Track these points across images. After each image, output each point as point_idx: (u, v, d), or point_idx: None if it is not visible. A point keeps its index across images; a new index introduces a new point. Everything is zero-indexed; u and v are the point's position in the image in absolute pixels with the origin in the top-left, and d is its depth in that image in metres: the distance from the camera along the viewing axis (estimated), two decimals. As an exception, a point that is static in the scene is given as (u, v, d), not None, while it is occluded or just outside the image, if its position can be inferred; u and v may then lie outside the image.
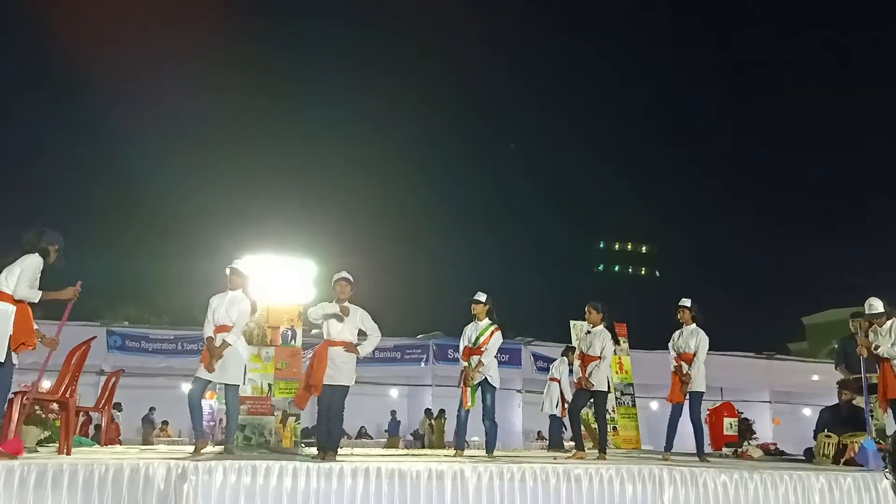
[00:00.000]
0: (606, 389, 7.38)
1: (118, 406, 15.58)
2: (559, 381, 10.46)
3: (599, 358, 7.24)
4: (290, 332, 9.04)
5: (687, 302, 7.62)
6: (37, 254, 5.39)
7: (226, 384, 6.39)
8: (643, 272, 45.44)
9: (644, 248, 46.41)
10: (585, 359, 7.35)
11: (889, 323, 7.26)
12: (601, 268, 45.83)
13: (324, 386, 5.93)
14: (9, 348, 5.17)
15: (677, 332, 7.65)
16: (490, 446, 7.13)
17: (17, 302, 5.24)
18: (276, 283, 8.99)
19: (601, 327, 7.40)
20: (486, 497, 4.84)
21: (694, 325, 7.55)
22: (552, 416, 10.65)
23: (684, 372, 7.34)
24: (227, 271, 6.59)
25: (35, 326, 5.48)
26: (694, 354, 7.35)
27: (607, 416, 11.65)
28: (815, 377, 19.53)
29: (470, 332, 7.27)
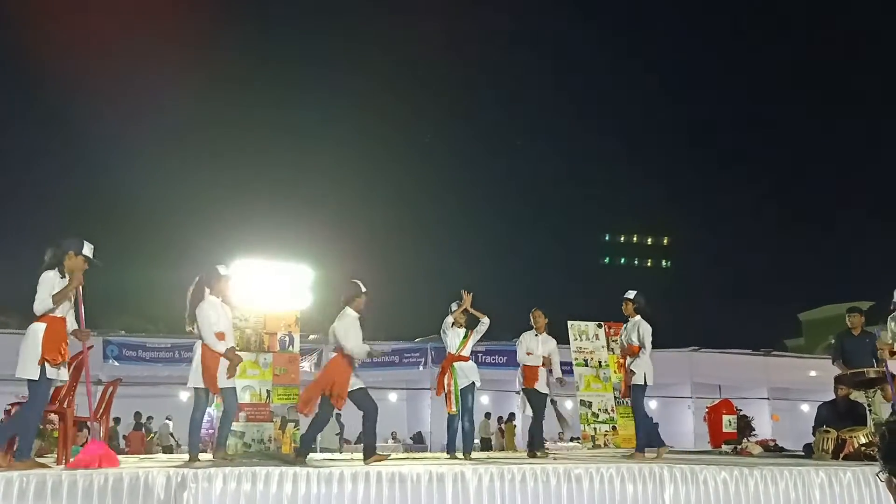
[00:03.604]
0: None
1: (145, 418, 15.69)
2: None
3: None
4: (287, 338, 9.03)
5: (631, 294, 7.46)
6: (48, 270, 5.40)
7: (224, 388, 6.33)
8: (650, 264, 45.16)
9: (650, 240, 46.11)
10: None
11: None
12: (607, 260, 45.56)
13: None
14: (43, 366, 5.18)
15: (623, 327, 7.65)
16: (467, 446, 7.22)
17: (47, 319, 5.27)
18: (272, 289, 8.99)
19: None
20: (487, 499, 4.84)
21: (638, 317, 7.38)
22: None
23: (627, 366, 7.31)
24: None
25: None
26: (639, 348, 7.26)
27: (606, 416, 11.87)
28: (813, 373, 19.58)
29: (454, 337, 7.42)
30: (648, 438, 7.39)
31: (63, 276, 5.42)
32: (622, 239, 46.60)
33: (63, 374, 5.39)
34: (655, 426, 7.67)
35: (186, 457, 6.27)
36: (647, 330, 7.30)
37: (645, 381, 7.19)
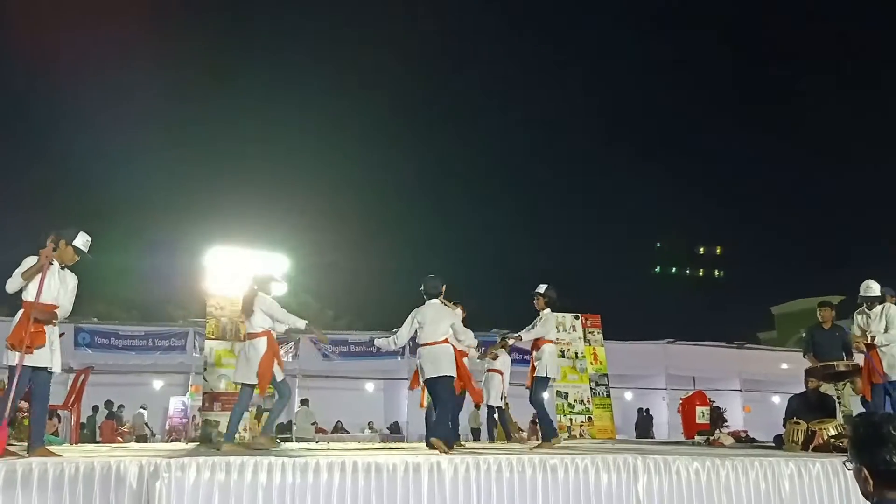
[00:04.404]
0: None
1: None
2: (502, 372, 10.06)
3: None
4: (263, 327, 8.95)
5: (541, 288, 7.54)
6: (32, 256, 5.34)
7: (280, 380, 6.59)
8: (701, 274, 44.94)
9: (702, 250, 45.82)
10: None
11: (879, 308, 7.40)
12: (657, 270, 45.19)
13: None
14: (18, 353, 5.13)
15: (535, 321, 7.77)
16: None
17: (25, 305, 5.22)
18: (247, 276, 8.91)
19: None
20: (462, 489, 4.84)
21: (547, 311, 7.48)
22: (493, 408, 10.22)
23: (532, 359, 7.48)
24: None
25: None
26: (547, 341, 7.42)
27: (581, 407, 11.98)
28: (784, 365, 19.88)
29: None
30: (550, 429, 7.50)
31: (50, 263, 5.35)
32: (674, 248, 46.02)
33: (37, 360, 5.22)
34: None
35: (160, 446, 6.23)
36: (551, 324, 7.49)
37: (546, 374, 7.35)
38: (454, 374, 6.43)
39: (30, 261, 5.30)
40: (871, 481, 2.06)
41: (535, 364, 7.39)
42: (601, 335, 12.83)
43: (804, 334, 8.88)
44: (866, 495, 2.12)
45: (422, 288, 6.63)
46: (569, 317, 12.50)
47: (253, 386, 6.35)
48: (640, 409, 19.10)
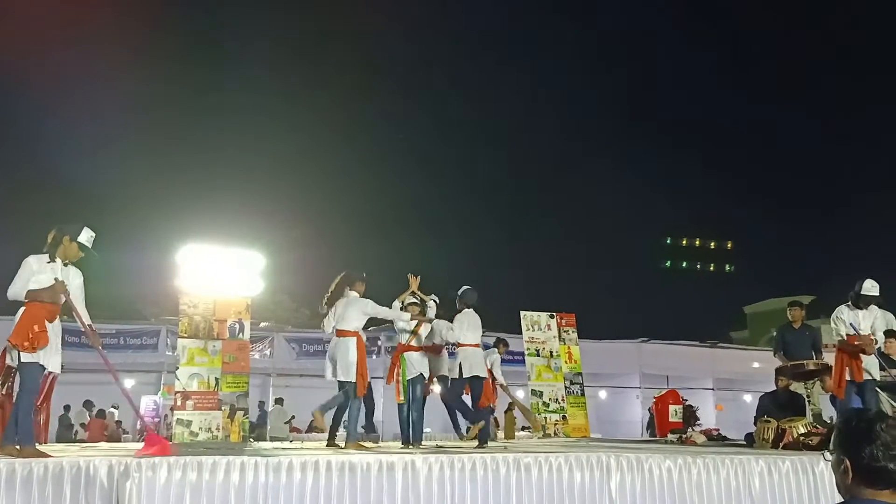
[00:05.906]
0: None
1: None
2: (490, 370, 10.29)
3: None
4: (237, 325, 8.89)
5: (460, 292, 7.87)
6: (37, 253, 5.24)
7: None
8: (712, 268, 44.87)
9: (713, 244, 45.70)
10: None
11: (873, 308, 7.42)
12: (668, 264, 45.08)
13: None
14: (14, 351, 5.06)
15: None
16: (417, 436, 7.26)
17: (26, 304, 5.09)
18: (223, 275, 8.84)
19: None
20: (437, 487, 4.84)
21: (461, 314, 7.80)
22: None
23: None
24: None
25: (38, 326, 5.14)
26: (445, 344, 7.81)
27: (556, 405, 12.04)
28: (756, 364, 20.15)
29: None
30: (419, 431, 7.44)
31: (52, 260, 5.22)
32: (684, 243, 45.94)
33: (37, 358, 5.11)
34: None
35: (130, 445, 6.14)
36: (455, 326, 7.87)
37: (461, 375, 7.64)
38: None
39: (30, 262, 5.15)
40: (850, 474, 2.09)
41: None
42: (576, 334, 12.91)
43: (775, 334, 8.98)
44: (841, 487, 2.14)
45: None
46: (544, 315, 12.55)
47: (353, 383, 6.51)
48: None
